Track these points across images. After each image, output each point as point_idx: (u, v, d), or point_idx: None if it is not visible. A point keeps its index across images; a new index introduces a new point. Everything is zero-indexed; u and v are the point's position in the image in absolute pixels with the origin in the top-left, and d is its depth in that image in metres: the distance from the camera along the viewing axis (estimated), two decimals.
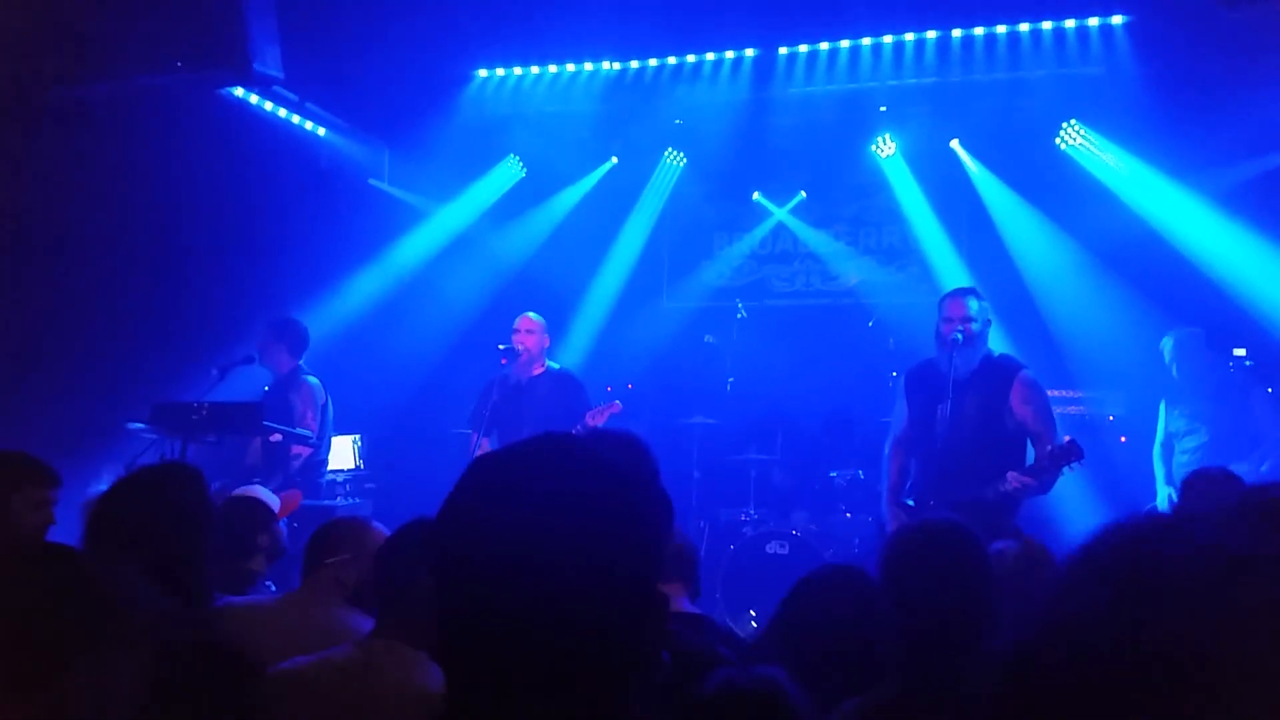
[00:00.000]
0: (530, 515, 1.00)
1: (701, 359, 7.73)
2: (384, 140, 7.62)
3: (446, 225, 7.89)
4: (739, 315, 7.29)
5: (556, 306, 7.29)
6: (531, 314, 5.67)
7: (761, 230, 8.05)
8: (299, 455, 5.34)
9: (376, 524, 2.77)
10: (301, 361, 5.61)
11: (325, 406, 5.58)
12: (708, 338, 7.60)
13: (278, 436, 5.04)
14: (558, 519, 1.00)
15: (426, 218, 7.85)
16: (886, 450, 4.56)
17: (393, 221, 7.69)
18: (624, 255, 8.17)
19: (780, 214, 7.98)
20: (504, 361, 5.43)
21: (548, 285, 7.67)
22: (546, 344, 5.66)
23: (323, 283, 7.31)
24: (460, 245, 7.88)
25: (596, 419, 5.18)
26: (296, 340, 5.60)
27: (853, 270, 7.91)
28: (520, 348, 5.49)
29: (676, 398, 7.83)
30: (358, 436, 6.96)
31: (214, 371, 5.17)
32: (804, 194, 7.94)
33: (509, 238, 8.01)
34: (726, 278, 8.19)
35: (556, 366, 5.71)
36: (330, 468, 5.94)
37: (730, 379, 7.13)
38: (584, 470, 1.05)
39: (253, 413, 4.61)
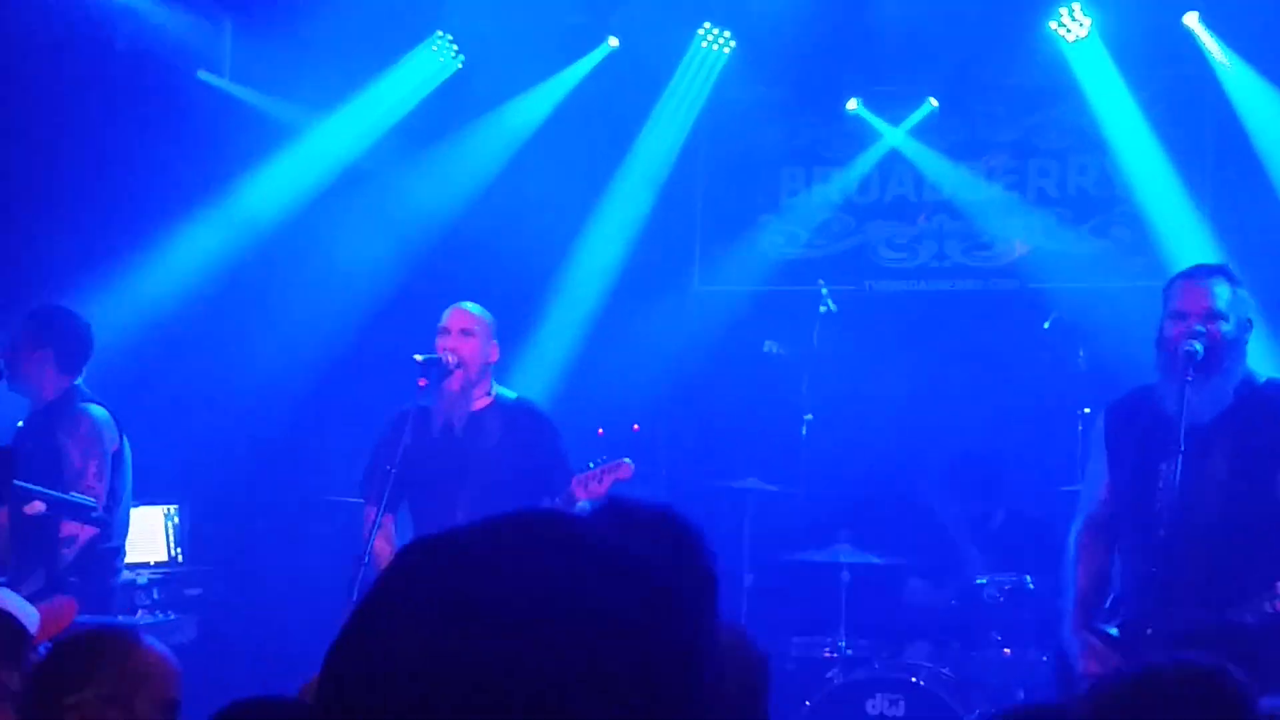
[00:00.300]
0: (503, 676, 1.01)
1: (758, 382, 7.81)
2: (223, 8, 7.69)
3: (327, 152, 7.95)
4: (823, 307, 7.34)
5: (513, 294, 7.35)
6: (469, 306, 5.70)
7: (862, 165, 8.12)
8: (73, 538, 5.36)
9: (152, 643, 2.79)
10: (79, 381, 5.65)
11: (119, 456, 5.63)
12: (769, 345, 7.67)
13: (39, 506, 5.06)
14: (549, 681, 1.01)
15: (294, 138, 7.92)
16: (1073, 540, 4.57)
17: (237, 143, 7.75)
18: (628, 208, 8.25)
19: (895, 136, 8.06)
20: (422, 384, 5.45)
21: (498, 257, 7.75)
22: (494, 357, 5.70)
23: (116, 247, 7.38)
24: (351, 185, 7.94)
25: (589, 489, 5.20)
26: (70, 345, 5.63)
27: (1018, 233, 7.96)
28: (450, 361, 5.52)
29: (715, 448, 7.94)
30: (174, 508, 7.04)
31: None
32: (934, 103, 7.98)
33: (432, 174, 8.07)
34: (801, 244, 8.27)
35: (511, 395, 5.74)
36: (128, 560, 5.97)
37: (806, 416, 7.18)
38: (602, 594, 1.08)
39: None
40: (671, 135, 8.20)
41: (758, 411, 7.79)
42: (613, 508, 1.26)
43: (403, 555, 1.09)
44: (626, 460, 5.30)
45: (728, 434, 7.88)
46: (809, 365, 7.27)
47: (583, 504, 5.29)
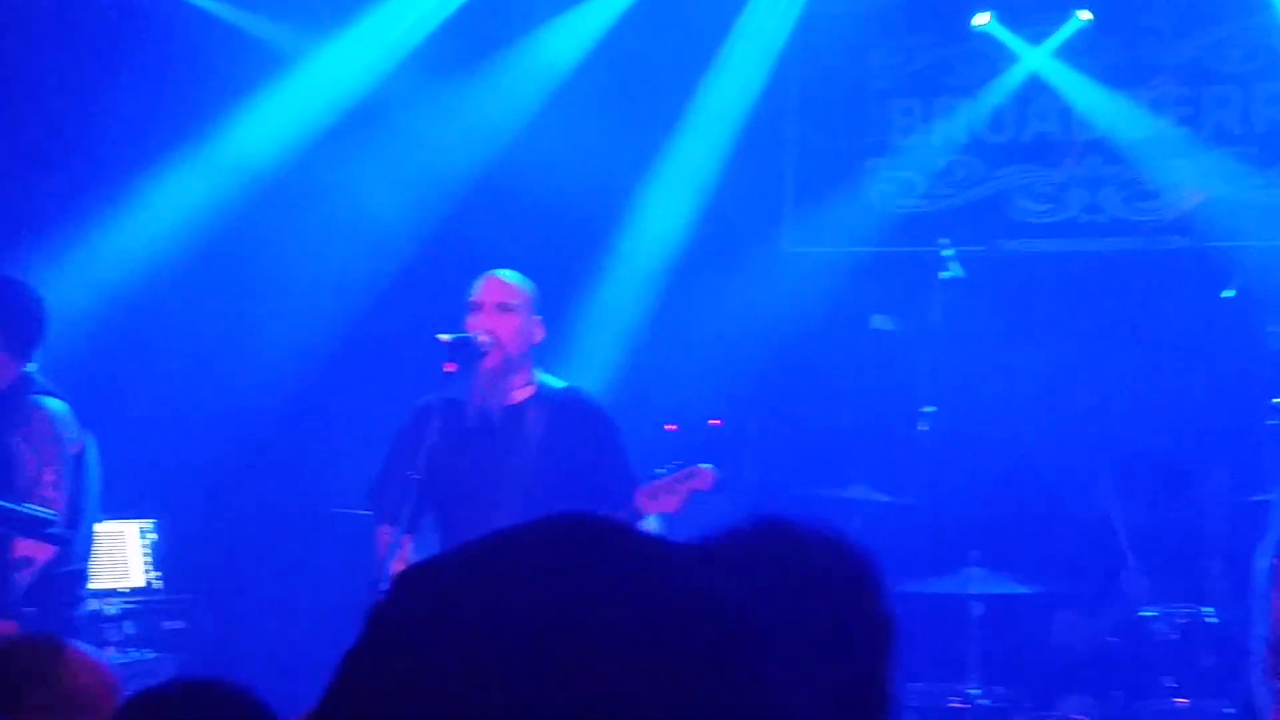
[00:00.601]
0: None
1: (865, 366, 7.78)
2: None
3: (329, 85, 7.98)
4: (945, 272, 7.30)
5: (559, 260, 7.35)
6: (506, 274, 5.70)
7: (994, 94, 8.08)
8: (28, 559, 5.42)
9: (86, 654, 2.82)
10: (31, 368, 5.71)
11: (81, 459, 5.69)
12: (878, 320, 7.63)
13: None
14: None
15: (289, 68, 7.98)
16: (1264, 564, 4.55)
17: (218, 75, 7.81)
18: (701, 152, 8.24)
19: (1036, 59, 8.01)
20: (449, 370, 5.47)
21: (541, 215, 7.76)
22: (538, 337, 5.70)
23: (72, 203, 7.45)
24: (358, 126, 7.97)
25: (659, 501, 5.19)
26: (19, 324, 5.66)
27: (1190, 179, 7.88)
28: (484, 341, 5.53)
29: (812, 448, 7.91)
30: (149, 523, 7.09)
31: None
32: (1086, 16, 7.89)
33: (458, 113, 8.09)
34: (917, 195, 8.24)
35: (558, 384, 5.74)
36: (94, 586, 6.02)
37: (926, 408, 7.15)
38: (692, 634, 1.06)
39: None
40: (755, 61, 8.18)
41: (865, 402, 7.76)
42: (777, 532, 1.24)
43: (404, 583, 1.09)
44: (705, 466, 5.29)
45: (827, 431, 7.86)
46: (928, 345, 7.28)
47: (649, 520, 5.29)
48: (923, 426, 7.14)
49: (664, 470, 5.29)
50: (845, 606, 1.44)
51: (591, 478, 5.51)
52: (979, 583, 6.54)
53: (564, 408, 5.64)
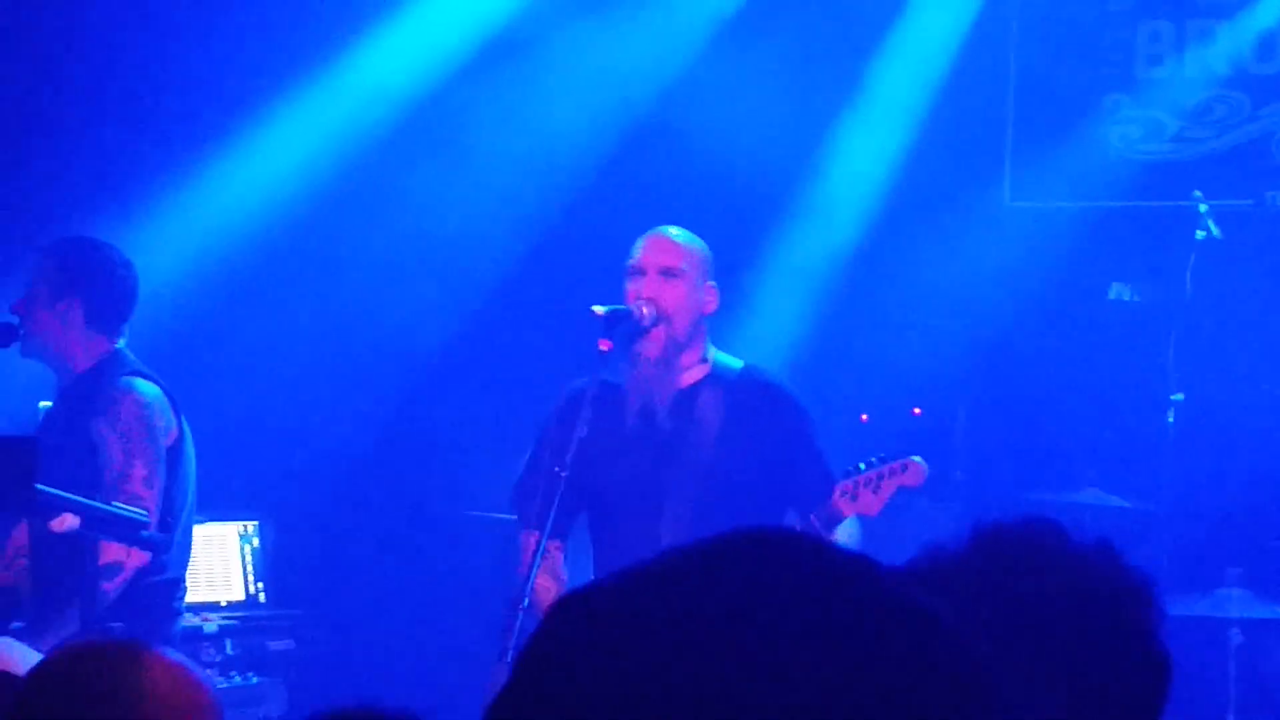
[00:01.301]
0: None
1: (1101, 345, 7.72)
2: None
3: (459, 12, 8.06)
4: (1201, 233, 7.19)
5: (733, 216, 7.32)
6: (673, 232, 5.69)
7: (1264, 14, 7.93)
8: (118, 565, 5.51)
9: (176, 661, 2.80)
10: (120, 345, 5.81)
11: (177, 452, 5.79)
12: (1117, 290, 7.55)
13: (70, 521, 5.20)
14: None
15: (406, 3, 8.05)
16: None
17: (331, 5, 7.91)
18: (903, 91, 8.21)
19: None
20: (605, 347, 5.46)
21: (713, 162, 7.76)
22: (712, 307, 5.67)
23: (164, 156, 7.59)
24: (497, 61, 8.02)
25: (860, 500, 5.16)
26: (105, 293, 5.77)
27: None
28: (647, 314, 5.52)
29: (1036, 443, 7.83)
30: (253, 525, 7.22)
31: None
32: None
33: (616, 44, 8.10)
34: (1168, 137, 8.14)
35: (736, 364, 5.72)
36: (191, 598, 6.13)
37: (1175, 396, 7.08)
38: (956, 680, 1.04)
39: (12, 467, 4.81)
40: None
41: (1100, 389, 7.69)
42: (1015, 546, 1.21)
43: (560, 615, 1.12)
44: (916, 459, 5.24)
45: (1055, 422, 7.79)
46: (1179, 320, 7.21)
47: (848, 524, 5.26)
48: (1170, 418, 7.06)
49: (865, 465, 5.24)
50: (1110, 642, 1.39)
51: (780, 475, 5.49)
52: (1238, 606, 6.47)
53: (745, 391, 5.61)
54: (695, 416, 5.56)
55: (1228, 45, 8.01)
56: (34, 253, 5.94)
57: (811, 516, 5.22)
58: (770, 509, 5.45)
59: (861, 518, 5.29)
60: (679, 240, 5.63)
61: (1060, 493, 7.03)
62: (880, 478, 5.20)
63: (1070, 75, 8.21)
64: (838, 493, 5.20)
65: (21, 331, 5.73)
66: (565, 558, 5.60)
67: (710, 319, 5.69)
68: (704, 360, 5.63)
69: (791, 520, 5.47)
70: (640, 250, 5.59)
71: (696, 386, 5.60)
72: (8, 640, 4.41)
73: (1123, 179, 8.10)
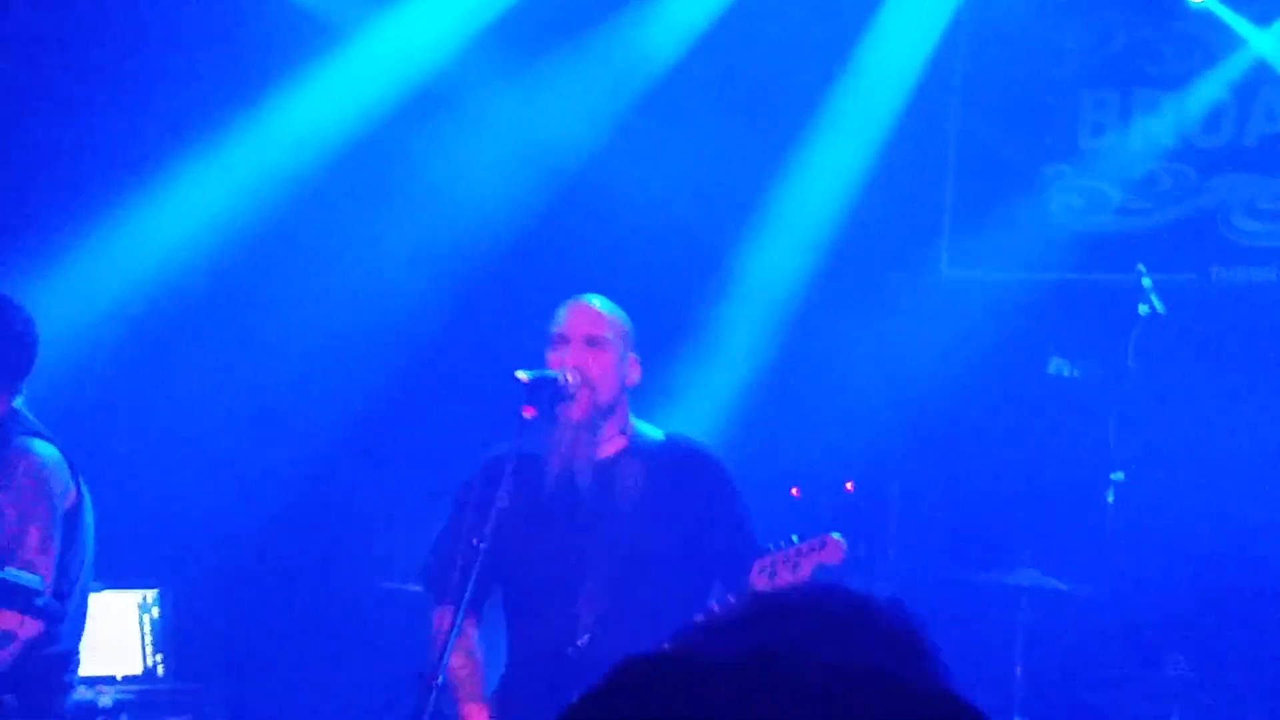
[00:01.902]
0: None
1: (1040, 421, 7.75)
2: None
3: (386, 63, 8.05)
4: (1144, 307, 7.23)
5: (662, 284, 7.31)
6: (596, 301, 5.69)
7: (1210, 87, 8.01)
8: (9, 634, 5.44)
9: None
10: (18, 403, 5.77)
11: (74, 516, 5.73)
12: (1057, 364, 7.60)
13: None
14: None
15: (338, 45, 8.04)
16: None
17: (251, 50, 7.89)
18: (842, 155, 8.23)
19: (1263, 42, 7.90)
20: (528, 414, 5.45)
21: (639, 228, 7.77)
22: (635, 378, 5.68)
23: (71, 204, 7.53)
24: (420, 113, 8.01)
25: (778, 576, 5.14)
26: (5, 353, 5.71)
27: None
28: (572, 381, 5.51)
29: (971, 521, 7.84)
30: (152, 594, 7.11)
31: None
32: None
33: (539, 102, 8.11)
34: (1111, 209, 8.20)
35: (657, 434, 5.71)
36: (86, 671, 6.02)
37: (1115, 475, 7.10)
38: None
39: None
40: (910, 43, 8.21)
41: (1039, 466, 7.72)
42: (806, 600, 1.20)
43: (620, 685, 1.19)
44: (835, 535, 5.23)
45: (992, 500, 7.82)
46: (1120, 397, 7.23)
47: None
48: (1110, 497, 7.08)
49: (783, 542, 5.24)
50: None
51: (704, 544, 5.48)
52: (1182, 698, 6.45)
53: (666, 460, 5.60)
54: (615, 488, 5.56)
55: (1174, 117, 8.11)
56: None
57: (729, 597, 5.18)
58: (692, 583, 5.43)
59: None
60: (603, 310, 5.64)
61: (996, 573, 7.04)
62: (799, 554, 5.21)
63: (1012, 142, 8.29)
64: (756, 569, 5.21)
65: None
66: (479, 634, 5.57)
67: (635, 391, 5.69)
68: (622, 432, 5.63)
69: (714, 593, 5.45)
70: (564, 318, 5.59)
71: (616, 457, 5.60)
72: None
73: (1064, 250, 8.17)
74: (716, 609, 5.14)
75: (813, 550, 5.21)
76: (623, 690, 1.20)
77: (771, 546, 5.27)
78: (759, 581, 5.20)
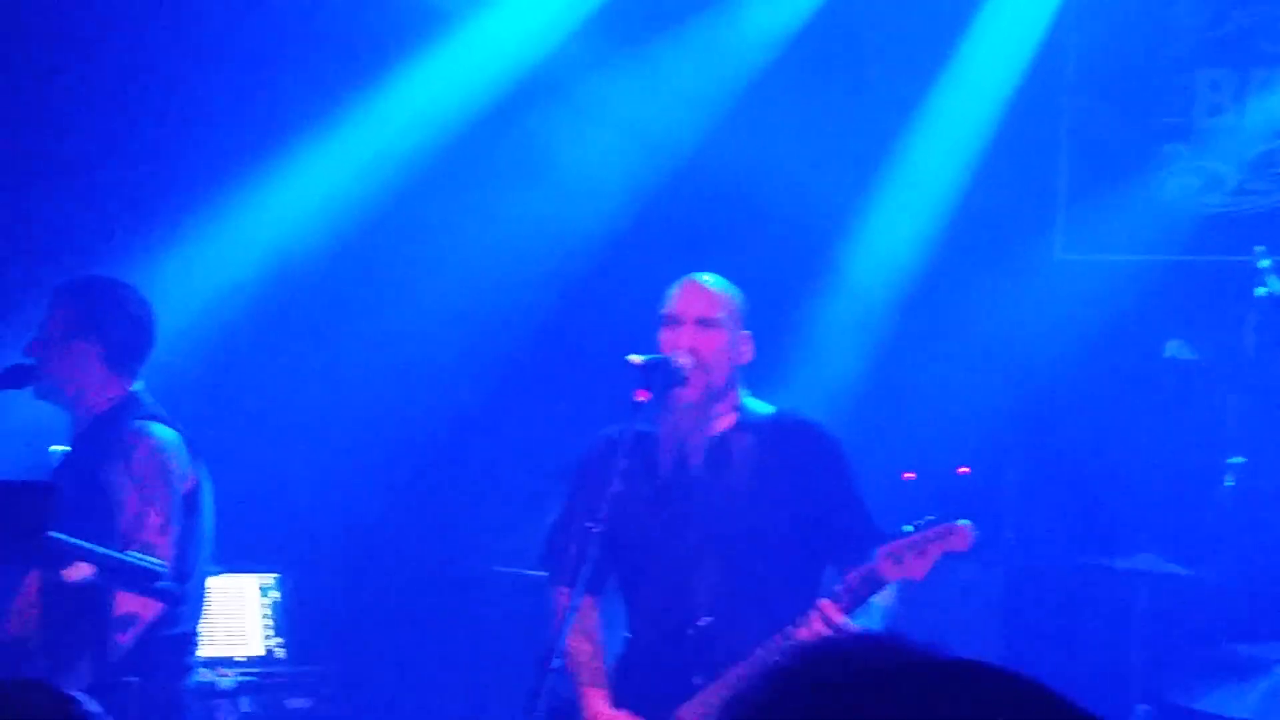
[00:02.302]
0: None
1: (1155, 404, 7.71)
2: None
3: (495, 50, 8.09)
4: (1262, 289, 7.14)
5: (771, 265, 7.34)
6: (709, 280, 5.68)
7: None
8: (132, 617, 5.52)
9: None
10: (137, 387, 5.85)
11: (194, 499, 5.80)
12: (1173, 347, 7.54)
13: (84, 571, 5.23)
14: None
15: (456, 25, 8.08)
16: None
17: (363, 39, 7.95)
18: (951, 140, 8.22)
19: None
20: (642, 397, 5.46)
21: (749, 211, 7.79)
22: (747, 356, 5.66)
23: (189, 190, 7.63)
24: (530, 101, 8.05)
25: (905, 565, 5.15)
26: (124, 333, 5.81)
27: None
28: (684, 364, 5.52)
29: (1086, 506, 7.81)
30: (272, 579, 7.23)
31: None
32: None
33: (649, 87, 8.13)
34: (1228, 190, 8.13)
35: (767, 409, 5.71)
36: (205, 653, 6.12)
37: (1234, 459, 7.02)
38: None
39: (26, 514, 4.82)
40: (1020, 28, 8.16)
41: (1155, 450, 7.65)
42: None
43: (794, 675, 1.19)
44: (963, 523, 5.20)
45: (1108, 485, 7.76)
46: (1238, 379, 7.20)
47: (887, 591, 5.23)
48: (1229, 481, 6.99)
49: (910, 527, 5.21)
50: None
51: (818, 523, 5.47)
52: None
53: (779, 434, 5.58)
54: (727, 464, 5.55)
55: None
56: (49, 293, 5.95)
57: (852, 575, 5.18)
58: (807, 559, 5.44)
59: (901, 581, 5.26)
60: (715, 288, 5.62)
61: (1113, 558, 6.99)
62: (926, 541, 5.16)
63: (1127, 124, 8.20)
64: (881, 554, 5.17)
65: (36, 373, 5.75)
66: (600, 615, 5.59)
67: (745, 369, 5.68)
68: (736, 408, 5.62)
69: (829, 576, 5.44)
70: (676, 299, 5.58)
71: (727, 434, 5.59)
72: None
73: (1180, 232, 8.08)
74: (840, 591, 5.14)
75: (940, 537, 5.18)
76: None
77: (897, 532, 5.25)
78: (885, 568, 5.18)
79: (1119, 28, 8.10)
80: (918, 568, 5.15)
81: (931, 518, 5.22)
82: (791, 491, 5.49)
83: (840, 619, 5.12)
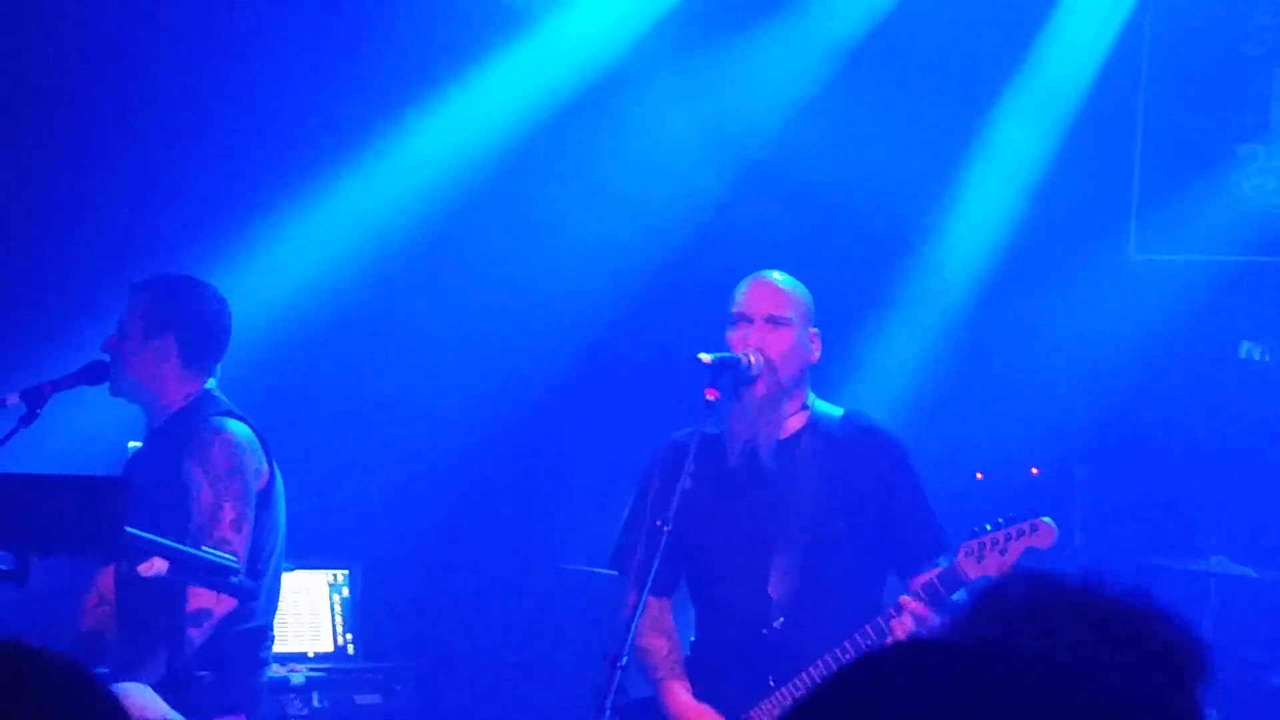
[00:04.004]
0: None
1: (1230, 405, 7.69)
2: None
3: (567, 50, 8.13)
4: None
5: (841, 264, 7.36)
6: (778, 278, 5.68)
7: None
8: (206, 612, 5.57)
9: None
10: (211, 384, 5.91)
11: (268, 496, 5.84)
12: (1248, 348, 7.51)
13: (160, 565, 5.24)
14: None
15: (529, 23, 8.12)
16: None
17: (434, 39, 7.99)
18: (1024, 138, 8.21)
19: None
20: (711, 396, 5.46)
21: (820, 209, 7.80)
22: (815, 355, 5.66)
23: (266, 188, 7.72)
24: (602, 100, 8.09)
25: (987, 562, 5.15)
26: (200, 331, 5.86)
27: None
28: (754, 362, 5.52)
29: (1159, 507, 7.79)
30: (343, 574, 7.31)
31: (9, 401, 5.55)
32: None
33: (720, 86, 8.15)
34: None
35: (837, 412, 5.71)
36: (279, 649, 6.20)
37: None
38: None
39: (103, 510, 4.90)
40: (1096, 25, 8.14)
41: (1228, 451, 7.61)
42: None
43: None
44: (1046, 519, 5.21)
45: (1180, 486, 7.73)
46: None
47: (959, 594, 5.23)
48: None
49: (990, 525, 5.22)
50: None
51: (888, 526, 5.48)
52: None
53: (847, 437, 5.59)
54: (797, 465, 5.55)
55: None
56: (127, 289, 6.01)
57: (925, 569, 5.19)
58: (875, 561, 5.47)
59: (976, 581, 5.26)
60: (784, 286, 5.62)
61: (1185, 560, 6.97)
62: (1008, 538, 5.16)
63: (1202, 123, 8.14)
64: (962, 553, 5.17)
65: (113, 369, 5.82)
66: (671, 615, 5.61)
67: (815, 368, 5.69)
68: (804, 408, 5.63)
69: (893, 583, 5.45)
70: (745, 296, 5.58)
71: (797, 435, 5.59)
72: (128, 689, 4.45)
73: (1255, 232, 8.00)
74: (920, 590, 5.13)
75: (1023, 535, 5.18)
76: (873, 687, 1.23)
77: (979, 529, 5.25)
78: (966, 565, 5.18)
79: (1196, 25, 8.04)
80: (999, 565, 5.15)
81: (1012, 514, 5.23)
82: (860, 494, 5.50)
83: (928, 615, 5.12)
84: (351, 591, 7.22)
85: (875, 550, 5.48)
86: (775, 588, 5.39)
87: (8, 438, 5.52)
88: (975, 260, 8.13)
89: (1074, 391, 7.86)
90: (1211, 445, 7.72)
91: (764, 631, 5.37)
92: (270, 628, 5.92)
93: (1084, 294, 8.03)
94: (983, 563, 5.14)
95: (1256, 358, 7.56)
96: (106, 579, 5.84)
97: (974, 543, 5.17)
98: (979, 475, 7.41)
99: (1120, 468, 8.02)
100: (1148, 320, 7.93)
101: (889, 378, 7.77)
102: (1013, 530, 5.16)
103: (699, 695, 5.41)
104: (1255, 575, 6.87)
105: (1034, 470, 7.65)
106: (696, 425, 5.41)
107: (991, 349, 7.94)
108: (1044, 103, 8.16)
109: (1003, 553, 5.14)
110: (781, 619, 5.36)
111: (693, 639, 5.62)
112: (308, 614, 7.10)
